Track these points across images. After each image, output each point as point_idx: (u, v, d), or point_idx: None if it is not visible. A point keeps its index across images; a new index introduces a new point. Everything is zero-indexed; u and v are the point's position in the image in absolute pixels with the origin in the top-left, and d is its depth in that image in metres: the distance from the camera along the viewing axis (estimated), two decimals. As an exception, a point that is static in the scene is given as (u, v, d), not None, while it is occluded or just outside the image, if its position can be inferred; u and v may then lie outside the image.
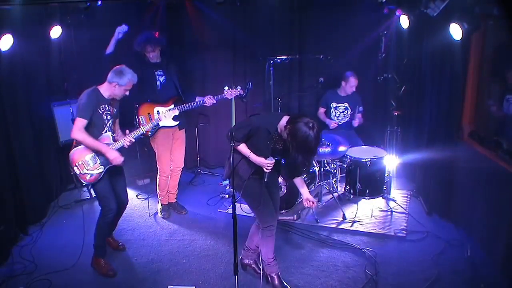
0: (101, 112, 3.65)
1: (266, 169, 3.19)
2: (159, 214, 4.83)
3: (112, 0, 5.05)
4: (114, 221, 3.98)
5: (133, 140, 3.80)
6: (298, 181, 3.45)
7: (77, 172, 3.62)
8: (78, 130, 3.53)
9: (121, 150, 3.74)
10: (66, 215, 4.81)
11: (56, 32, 4.49)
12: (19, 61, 4.28)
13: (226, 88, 4.48)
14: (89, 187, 3.78)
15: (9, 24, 3.86)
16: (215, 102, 4.48)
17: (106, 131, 3.70)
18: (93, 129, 3.63)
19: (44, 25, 4.42)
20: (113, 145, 3.73)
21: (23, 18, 4.13)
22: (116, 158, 3.65)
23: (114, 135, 3.81)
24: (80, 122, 3.53)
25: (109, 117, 3.72)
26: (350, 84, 5.18)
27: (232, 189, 3.17)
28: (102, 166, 3.67)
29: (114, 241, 4.20)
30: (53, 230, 4.52)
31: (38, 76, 4.68)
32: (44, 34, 4.47)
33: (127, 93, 3.71)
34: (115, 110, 3.81)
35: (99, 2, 4.53)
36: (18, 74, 4.36)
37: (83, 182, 3.68)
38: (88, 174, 3.63)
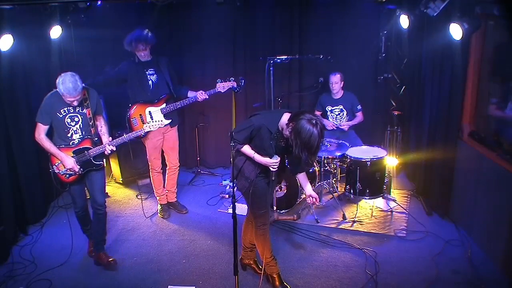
0: (61, 116, 3.54)
1: (272, 168, 3.18)
2: (159, 215, 4.83)
3: (112, 0, 5.05)
4: (99, 219, 3.88)
5: (114, 149, 3.70)
6: (301, 177, 3.43)
7: (56, 171, 3.61)
8: (37, 134, 3.55)
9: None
10: (66, 215, 4.80)
11: (56, 32, 4.48)
12: (19, 61, 4.28)
13: (219, 81, 4.43)
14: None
15: (9, 24, 3.86)
16: (207, 97, 4.45)
17: (72, 135, 3.60)
18: (55, 133, 3.61)
19: (44, 25, 4.42)
20: (92, 150, 3.64)
21: (23, 18, 4.13)
22: (72, 167, 3.57)
23: (96, 139, 3.69)
24: (39, 126, 3.54)
25: (76, 119, 3.59)
26: (330, 82, 5.17)
27: (232, 189, 3.16)
28: (82, 168, 3.63)
29: (106, 257, 3.90)
30: (53, 230, 4.52)
31: (38, 76, 4.67)
32: (44, 34, 4.46)
33: (75, 103, 3.48)
34: (92, 110, 3.62)
35: (99, 2, 4.53)
36: (18, 74, 4.35)
37: (61, 181, 3.65)
38: (67, 174, 3.62)
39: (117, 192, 5.48)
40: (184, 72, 5.68)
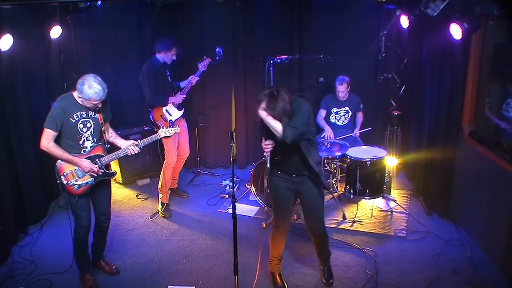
0: (74, 122, 3.29)
1: (265, 152, 3.17)
2: (160, 214, 4.83)
3: (112, 0, 5.05)
4: (102, 232, 3.73)
5: (139, 150, 3.49)
6: None
7: (65, 182, 3.36)
8: (44, 140, 3.27)
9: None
10: (66, 215, 4.76)
11: (56, 32, 4.49)
12: (19, 61, 4.28)
13: (199, 63, 4.76)
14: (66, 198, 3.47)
15: (9, 24, 3.86)
16: (198, 79, 4.77)
17: (84, 142, 3.36)
18: (66, 140, 3.34)
19: (44, 25, 4.42)
20: (105, 158, 3.42)
21: (23, 18, 4.14)
22: (91, 168, 3.33)
23: (108, 146, 3.50)
24: (47, 133, 3.26)
25: (89, 124, 3.35)
26: (337, 90, 5.19)
27: (232, 189, 3.16)
28: (92, 178, 3.41)
29: (107, 264, 3.85)
30: (53, 230, 4.52)
31: (38, 76, 4.68)
32: (44, 34, 4.47)
33: (100, 105, 3.29)
34: (103, 115, 3.43)
35: (99, 2, 4.54)
36: (18, 74, 4.35)
37: (69, 193, 3.40)
38: (76, 185, 3.37)
39: (117, 192, 5.47)
40: (183, 72, 5.68)
